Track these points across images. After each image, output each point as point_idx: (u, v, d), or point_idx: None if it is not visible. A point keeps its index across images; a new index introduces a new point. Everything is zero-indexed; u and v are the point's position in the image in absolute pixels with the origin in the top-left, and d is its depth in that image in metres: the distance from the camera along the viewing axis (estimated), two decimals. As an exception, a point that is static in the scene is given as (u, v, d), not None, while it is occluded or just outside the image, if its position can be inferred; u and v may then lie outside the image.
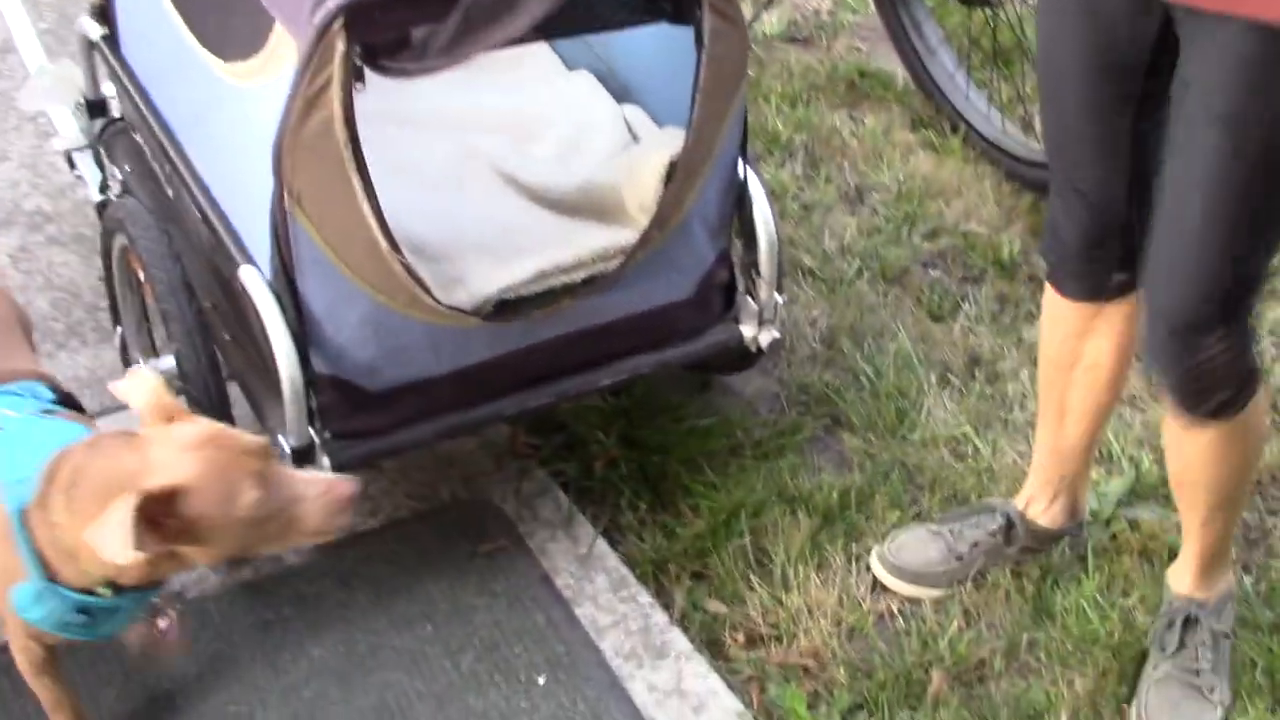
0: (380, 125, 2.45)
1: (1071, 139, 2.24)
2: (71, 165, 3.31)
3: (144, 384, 1.92)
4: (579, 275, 2.48)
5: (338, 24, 2.06)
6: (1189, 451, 2.27)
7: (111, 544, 1.72)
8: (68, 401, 2.21)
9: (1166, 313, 2.12)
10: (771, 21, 4.36)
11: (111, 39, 3.01)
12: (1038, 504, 2.61)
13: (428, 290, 2.31)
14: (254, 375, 2.49)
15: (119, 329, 2.85)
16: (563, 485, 2.81)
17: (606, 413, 2.93)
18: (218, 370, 2.49)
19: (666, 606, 2.58)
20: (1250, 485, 2.39)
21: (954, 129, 3.81)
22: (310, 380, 2.33)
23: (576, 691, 2.42)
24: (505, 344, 2.47)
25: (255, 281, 2.32)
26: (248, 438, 1.89)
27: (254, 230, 2.33)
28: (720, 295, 2.67)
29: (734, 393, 3.04)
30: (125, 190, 2.92)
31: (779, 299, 2.68)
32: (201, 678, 2.21)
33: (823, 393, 3.04)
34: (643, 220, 2.48)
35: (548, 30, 2.24)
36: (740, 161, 2.57)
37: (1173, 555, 2.58)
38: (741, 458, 2.87)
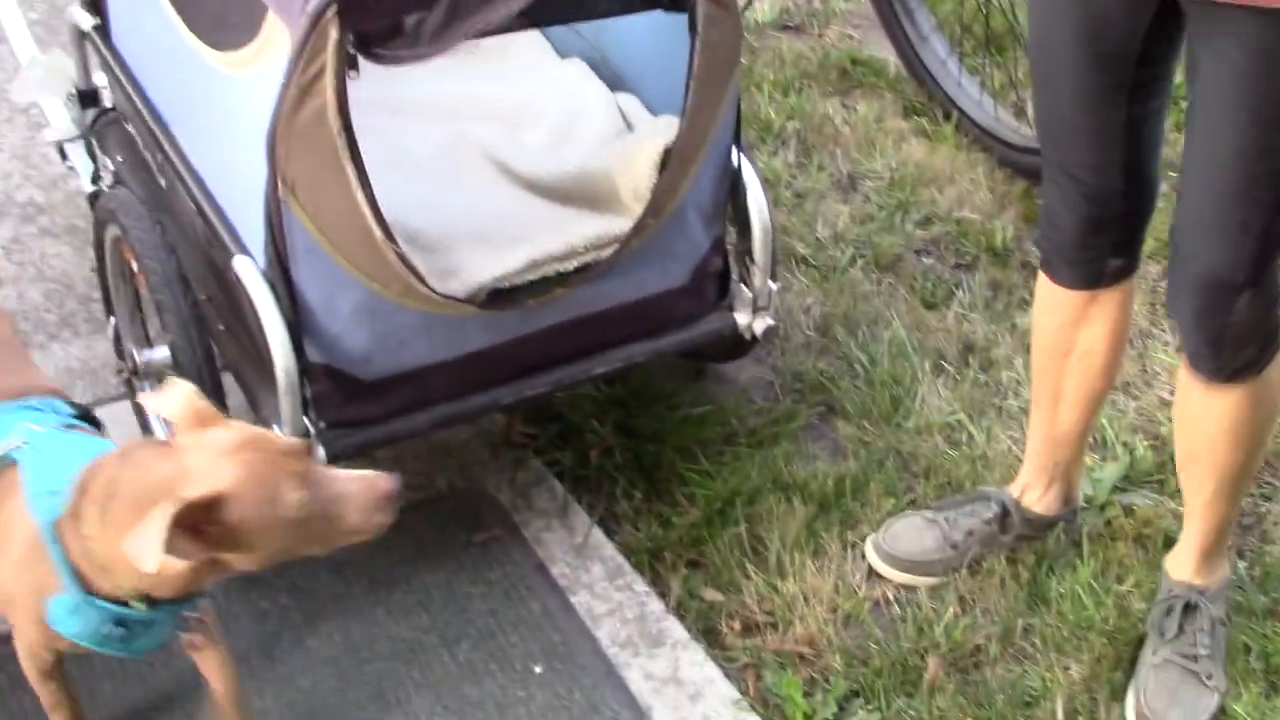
0: (372, 114, 2.44)
1: (1066, 127, 2.24)
2: (63, 156, 3.30)
3: (176, 393, 1.87)
4: (573, 264, 2.48)
5: (331, 12, 2.05)
6: (1204, 419, 2.27)
7: (150, 553, 1.68)
8: (86, 416, 2.19)
9: (1196, 273, 2.13)
10: (764, 9, 4.35)
11: (103, 29, 3.00)
12: (1032, 491, 2.62)
13: (422, 279, 2.30)
14: (248, 365, 2.49)
15: (112, 320, 2.84)
16: (558, 474, 2.81)
17: (601, 401, 2.93)
18: (213, 361, 2.49)
19: (662, 595, 2.59)
20: (1257, 466, 2.39)
21: (946, 116, 3.81)
22: (305, 370, 2.33)
23: (573, 680, 2.42)
24: (500, 333, 2.46)
25: (249, 271, 2.32)
26: (286, 439, 1.87)
27: (248, 220, 2.32)
28: (715, 283, 2.67)
29: (728, 381, 3.04)
30: (118, 181, 2.92)
31: (773, 286, 2.68)
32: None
33: (817, 380, 3.04)
34: (637, 208, 2.48)
35: (541, 17, 2.24)
36: (734, 149, 2.56)
37: (1168, 541, 2.59)
38: (736, 446, 2.88)
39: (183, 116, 2.65)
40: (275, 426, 2.36)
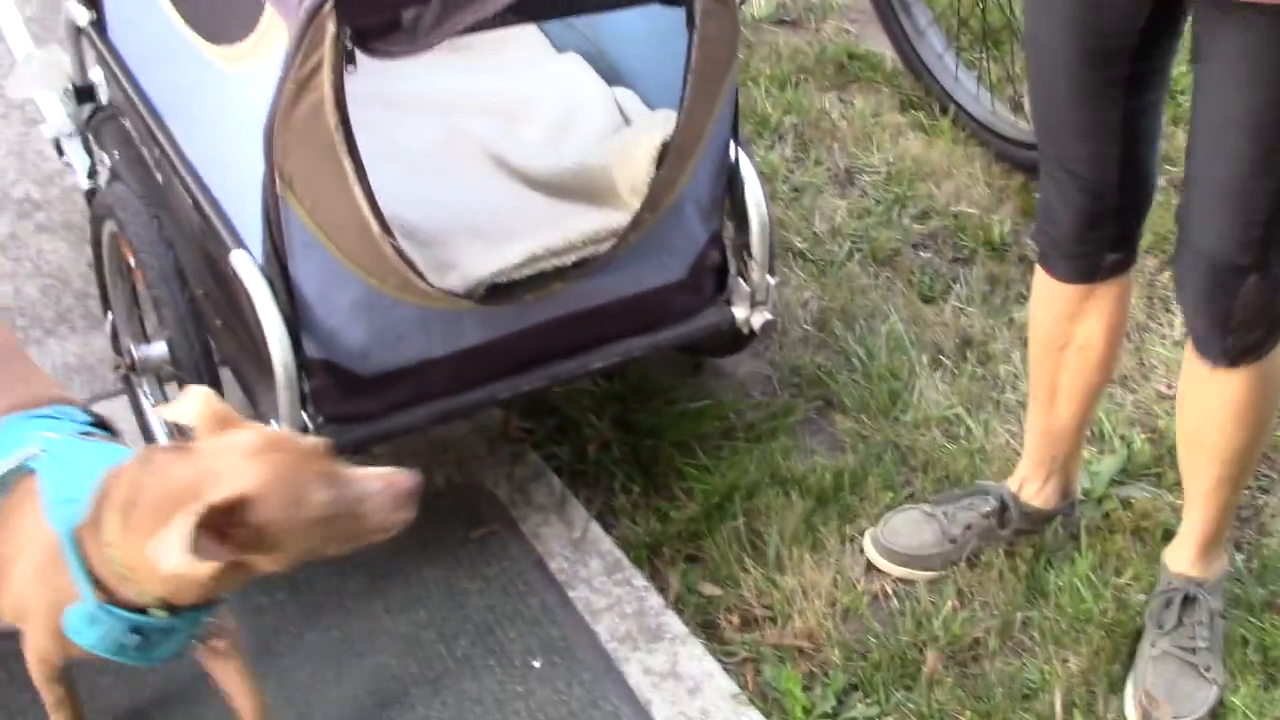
0: (370, 108, 2.44)
1: (1062, 122, 2.24)
2: (60, 152, 3.30)
3: (194, 397, 1.86)
4: (570, 258, 2.48)
5: (328, 6, 2.05)
6: (1209, 403, 2.26)
7: (176, 557, 1.68)
8: (101, 424, 2.18)
9: (1206, 255, 2.12)
10: (760, 4, 4.35)
11: (99, 24, 2.99)
12: (1030, 485, 2.62)
13: (420, 273, 2.30)
14: (246, 360, 2.49)
15: (109, 315, 2.84)
16: (556, 469, 2.81)
17: (599, 396, 2.93)
18: (210, 356, 2.49)
19: (661, 589, 2.58)
20: (1260, 451, 2.38)
21: (943, 110, 3.81)
22: (303, 365, 2.33)
23: (572, 675, 2.42)
24: (497, 327, 2.46)
25: (247, 266, 2.31)
26: (308, 439, 1.86)
27: (245, 214, 2.32)
28: (712, 277, 2.67)
29: (726, 375, 3.04)
30: (114, 176, 2.91)
31: (771, 281, 2.68)
32: (194, 663, 2.21)
33: (815, 375, 3.04)
34: (634, 203, 2.48)
35: (538, 11, 2.23)
36: (731, 143, 2.56)
37: (1166, 534, 2.59)
38: (734, 440, 2.87)
39: (179, 111, 2.65)
40: (273, 422, 2.36)
